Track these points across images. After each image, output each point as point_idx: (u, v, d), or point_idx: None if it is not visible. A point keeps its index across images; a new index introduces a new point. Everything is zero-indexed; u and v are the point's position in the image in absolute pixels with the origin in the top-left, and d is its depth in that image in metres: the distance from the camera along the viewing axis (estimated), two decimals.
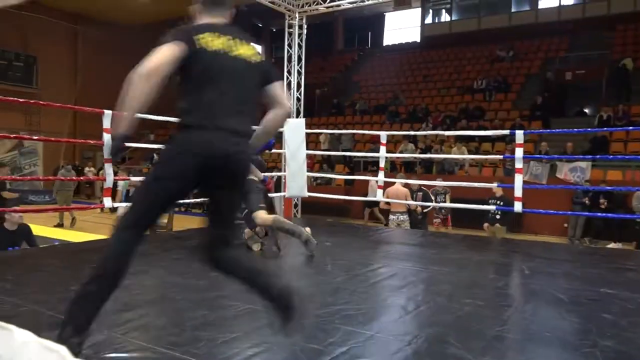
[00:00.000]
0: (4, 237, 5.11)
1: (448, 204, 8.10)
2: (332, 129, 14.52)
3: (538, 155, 11.36)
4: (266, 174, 4.90)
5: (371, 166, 14.43)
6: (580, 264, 4.38)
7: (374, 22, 25.36)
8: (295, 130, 6.64)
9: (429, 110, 16.48)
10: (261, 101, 2.18)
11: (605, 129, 11.55)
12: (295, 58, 8.45)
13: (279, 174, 8.36)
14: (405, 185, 7.71)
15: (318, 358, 2.00)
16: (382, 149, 6.42)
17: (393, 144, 14.08)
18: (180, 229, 6.15)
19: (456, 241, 5.46)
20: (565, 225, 11.27)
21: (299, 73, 8.58)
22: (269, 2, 8.09)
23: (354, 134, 15.36)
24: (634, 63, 14.70)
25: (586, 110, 15.93)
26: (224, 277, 2.15)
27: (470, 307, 2.73)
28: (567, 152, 11.77)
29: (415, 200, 7.86)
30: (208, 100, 1.97)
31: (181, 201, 10.61)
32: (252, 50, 2.10)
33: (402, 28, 25.07)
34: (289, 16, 8.33)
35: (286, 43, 8.51)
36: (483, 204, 7.21)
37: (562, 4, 19.00)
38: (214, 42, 2.00)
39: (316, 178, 13.39)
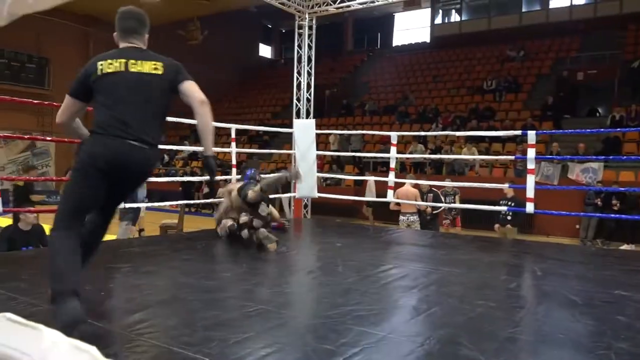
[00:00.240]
0: (18, 237, 5.17)
1: (458, 205, 8.06)
2: (341, 130, 14.53)
3: (550, 156, 11.27)
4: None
5: (381, 167, 14.41)
6: (593, 265, 4.34)
7: (384, 22, 25.35)
8: (305, 131, 6.65)
9: (439, 111, 16.43)
10: (169, 108, 2.56)
11: (618, 129, 11.43)
12: (305, 59, 8.46)
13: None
14: (415, 186, 7.68)
15: (330, 359, 2.00)
16: (393, 149, 6.41)
17: (403, 145, 14.06)
18: (192, 230, 6.17)
19: (466, 242, 5.43)
20: (577, 226, 11.18)
21: (309, 74, 8.59)
22: (279, 3, 8.11)
23: (363, 134, 15.37)
24: None
25: (598, 111, 15.80)
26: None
27: (482, 308, 2.71)
28: (578, 153, 11.68)
29: (426, 202, 7.84)
30: (105, 113, 2.39)
31: (191, 202, 10.64)
32: (153, 66, 2.47)
33: (411, 28, 25.03)
34: (299, 17, 8.34)
35: (296, 44, 8.53)
36: (494, 205, 7.17)
37: (573, 3, 18.88)
38: (110, 65, 2.43)
39: (326, 179, 13.40)
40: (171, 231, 8.54)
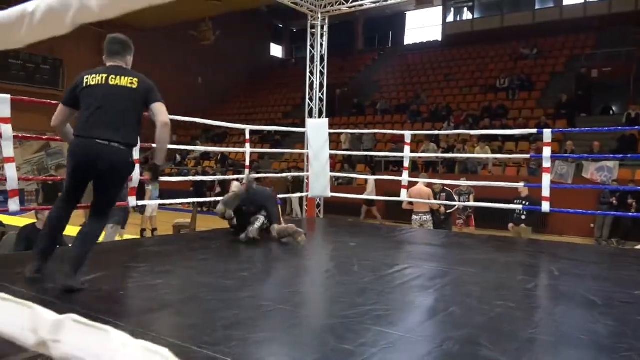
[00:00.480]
0: (35, 236, 5.23)
1: (472, 203, 8.00)
2: (352, 129, 14.52)
3: (567, 155, 11.12)
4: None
5: (393, 166, 14.38)
6: (610, 265, 4.29)
7: (395, 21, 25.27)
8: (318, 131, 6.65)
9: (451, 110, 16.34)
10: (142, 116, 3.04)
11: (636, 127, 11.26)
12: (317, 58, 8.45)
13: (300, 174, 8.38)
14: (428, 186, 7.65)
15: (349, 359, 2.00)
16: (407, 148, 6.38)
17: (415, 144, 14.00)
18: (204, 229, 6.21)
19: (481, 242, 5.40)
20: (592, 225, 11.05)
21: (322, 73, 8.59)
22: (292, 2, 8.11)
23: (375, 133, 15.34)
24: None
25: (613, 108, 15.62)
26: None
27: (501, 308, 2.70)
28: (593, 151, 11.55)
29: (439, 201, 7.80)
30: (84, 117, 2.87)
31: (202, 200, 10.66)
32: (129, 81, 2.94)
33: (423, 27, 24.93)
34: (312, 17, 8.34)
35: (308, 43, 8.52)
36: (507, 204, 7.12)
37: (587, 0, 18.65)
38: (94, 78, 2.92)
39: (337, 178, 13.39)
40: (184, 230, 8.59)
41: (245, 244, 4.54)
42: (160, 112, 2.94)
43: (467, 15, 22.01)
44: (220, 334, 2.20)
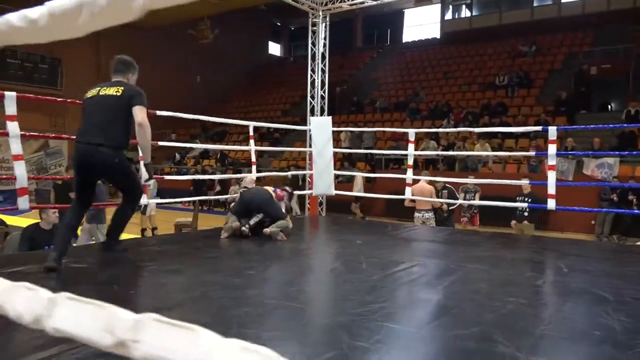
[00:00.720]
0: (39, 236, 5.21)
1: (476, 202, 8.00)
2: (352, 127, 14.51)
3: (569, 152, 11.10)
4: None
5: (393, 164, 14.37)
6: (616, 262, 4.30)
7: (393, 19, 25.27)
8: (321, 128, 6.64)
9: (451, 107, 16.34)
10: (129, 119, 3.33)
11: (638, 124, 11.27)
12: (319, 56, 8.44)
13: (302, 172, 8.37)
14: (430, 183, 7.65)
15: (365, 356, 1.99)
16: (410, 146, 6.37)
17: (415, 142, 13.97)
18: (206, 228, 6.19)
19: (485, 239, 5.40)
20: (593, 222, 11.07)
21: (323, 71, 8.57)
22: (292, 0, 8.08)
23: (375, 131, 15.32)
24: None
25: (612, 105, 15.65)
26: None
27: (512, 305, 2.69)
28: (594, 148, 11.56)
29: (441, 198, 7.79)
30: (81, 125, 3.33)
31: (204, 198, 10.64)
32: (115, 90, 3.31)
33: (421, 24, 24.92)
34: (313, 14, 8.32)
35: (309, 41, 8.50)
36: (508, 201, 7.13)
37: None
38: (91, 92, 3.38)
39: (337, 176, 13.35)
40: (186, 229, 8.57)
41: (251, 242, 4.53)
42: (137, 114, 3.25)
43: (465, 12, 22.02)
44: (235, 332, 2.19)
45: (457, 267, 3.74)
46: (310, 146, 8.13)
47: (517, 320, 2.47)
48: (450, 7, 22.23)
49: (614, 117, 13.40)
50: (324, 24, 8.53)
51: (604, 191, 10.55)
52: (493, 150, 12.38)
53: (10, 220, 7.18)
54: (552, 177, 5.08)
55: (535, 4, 19.64)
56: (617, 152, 10.57)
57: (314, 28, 8.48)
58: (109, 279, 3.04)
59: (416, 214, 7.63)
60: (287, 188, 5.63)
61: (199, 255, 4.06)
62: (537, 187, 7.30)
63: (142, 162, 3.99)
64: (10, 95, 3.72)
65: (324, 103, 8.54)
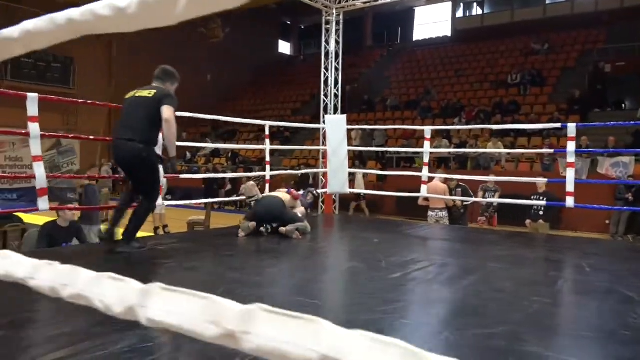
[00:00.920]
0: (57, 233, 5.25)
1: (492, 200, 7.94)
2: (363, 126, 14.46)
3: (587, 150, 10.94)
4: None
5: (404, 162, 14.33)
6: (638, 261, 4.25)
7: (404, 17, 25.17)
8: (336, 127, 6.62)
9: (463, 105, 16.26)
10: (158, 117, 3.60)
11: None
12: (332, 54, 8.42)
13: (316, 170, 8.35)
14: (444, 182, 7.61)
15: None
16: (426, 144, 6.33)
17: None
18: (222, 226, 6.19)
19: (503, 238, 5.36)
20: (607, 222, 10.96)
21: (336, 69, 8.55)
22: None
23: (386, 129, 15.27)
24: None
25: (626, 103, 15.47)
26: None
27: (538, 304, 2.66)
28: (608, 146, 11.44)
29: (455, 197, 7.75)
30: (117, 123, 3.79)
31: (217, 200, 10.74)
32: (148, 92, 3.67)
33: (432, 22, 24.80)
34: (326, 12, 8.30)
35: (323, 39, 8.48)
36: (524, 200, 7.08)
37: None
38: (129, 94, 3.79)
39: (348, 174, 13.33)
40: (198, 227, 8.58)
41: (268, 241, 4.53)
42: (164, 111, 3.53)
43: (476, 10, 21.89)
44: None
45: (478, 266, 3.71)
46: (323, 144, 8.12)
47: (544, 320, 2.44)
48: (462, 4, 22.12)
49: (629, 116, 13.24)
50: (337, 22, 8.50)
51: (619, 190, 10.44)
52: (505, 149, 12.31)
53: (26, 217, 7.23)
54: (570, 174, 5.03)
55: (547, 1, 19.49)
56: (632, 150, 10.46)
57: (327, 26, 8.46)
58: (130, 277, 3.05)
59: (430, 213, 7.59)
60: (315, 191, 5.59)
61: (216, 252, 4.07)
62: (552, 186, 7.24)
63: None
64: (33, 97, 3.74)
65: (338, 101, 8.52)
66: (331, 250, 4.53)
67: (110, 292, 0.68)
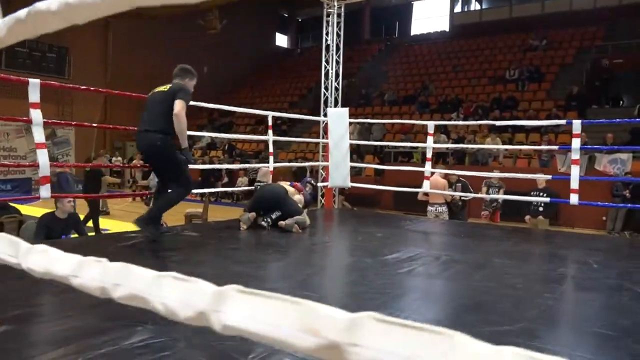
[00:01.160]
0: (56, 225, 5.18)
1: (501, 196, 7.93)
2: (363, 119, 14.41)
3: (585, 147, 10.91)
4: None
5: (402, 157, 14.29)
6: None
7: (401, 11, 25.07)
8: (338, 120, 6.56)
9: (460, 100, 16.23)
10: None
11: None
12: (333, 47, 8.33)
13: (317, 163, 8.29)
14: (444, 177, 7.57)
15: None
16: (429, 138, 6.29)
17: (423, 135, 13.91)
18: (220, 219, 6.14)
19: (507, 233, 5.34)
20: (604, 218, 11.00)
21: (337, 62, 8.47)
22: None
23: (384, 124, 15.22)
24: None
25: (624, 100, 15.49)
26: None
27: (551, 301, 2.64)
28: (606, 143, 11.45)
29: (455, 192, 7.72)
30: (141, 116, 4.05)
31: (214, 190, 10.61)
32: (165, 87, 3.96)
33: (430, 17, 24.72)
34: (328, 4, 8.21)
35: (324, 32, 8.38)
36: (522, 196, 7.08)
37: None
38: (152, 90, 4.09)
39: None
40: (196, 220, 8.52)
41: (270, 234, 4.48)
42: (175, 105, 3.76)
43: (475, 5, 21.83)
44: None
45: (486, 261, 3.68)
46: (323, 137, 8.06)
47: (558, 316, 2.42)
48: (460, 0, 22.06)
49: (626, 113, 13.26)
50: (339, 14, 8.41)
51: (616, 187, 10.47)
52: (503, 144, 12.30)
53: (24, 209, 7.15)
54: (575, 171, 5.01)
55: None
56: (631, 147, 10.48)
57: (328, 18, 8.37)
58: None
59: (429, 208, 7.55)
60: (312, 181, 5.56)
61: (222, 246, 4.01)
62: (550, 182, 7.24)
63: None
64: (34, 83, 3.66)
65: (338, 94, 8.44)
66: (335, 244, 4.49)
67: (175, 293, 0.62)
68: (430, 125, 6.31)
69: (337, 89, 8.38)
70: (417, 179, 7.22)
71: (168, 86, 3.95)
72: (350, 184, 6.80)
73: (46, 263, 0.73)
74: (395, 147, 14.07)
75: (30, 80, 3.67)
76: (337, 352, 0.45)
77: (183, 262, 3.36)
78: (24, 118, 3.70)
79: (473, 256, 3.89)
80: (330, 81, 8.35)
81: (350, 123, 12.80)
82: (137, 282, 0.65)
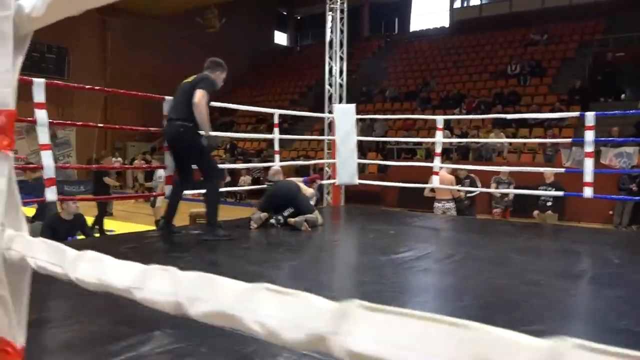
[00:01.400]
0: (62, 226, 5.11)
1: (511, 190, 7.86)
2: (370, 115, 14.32)
3: (609, 139, 10.80)
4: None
5: (405, 153, 14.21)
6: None
7: (401, 7, 24.96)
8: (345, 116, 6.48)
9: (462, 96, 16.15)
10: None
11: None
12: (337, 43, 8.26)
13: (323, 161, 8.21)
14: (452, 173, 7.50)
15: None
16: (439, 133, 6.20)
17: (426, 131, 13.83)
18: (225, 219, 6.04)
19: (519, 229, 5.27)
20: (611, 212, 10.93)
21: (341, 59, 8.40)
22: None
23: (386, 121, 15.13)
24: None
25: (626, 93, 15.41)
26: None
27: (578, 297, 2.57)
28: (612, 137, 11.37)
29: (463, 187, 7.64)
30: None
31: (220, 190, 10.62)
32: (191, 78, 4.09)
33: (430, 13, 24.61)
34: (331, 0, 8.14)
35: (328, 28, 8.33)
36: (531, 191, 7.03)
37: None
38: (182, 81, 4.19)
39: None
40: (200, 220, 8.44)
41: (281, 233, 4.41)
42: (196, 94, 3.83)
43: (475, 0, 21.73)
44: None
45: (502, 258, 3.60)
46: (326, 134, 7.98)
47: (589, 315, 2.34)
48: None
49: (629, 106, 13.17)
50: (342, 10, 8.33)
51: (623, 180, 10.39)
52: (507, 139, 12.22)
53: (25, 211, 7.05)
54: (589, 164, 4.93)
55: None
56: (637, 140, 10.39)
57: (331, 14, 8.29)
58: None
59: (436, 204, 7.47)
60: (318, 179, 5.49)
61: (235, 245, 3.93)
62: (561, 176, 7.17)
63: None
64: (39, 82, 3.57)
65: (343, 91, 8.37)
66: (346, 242, 4.41)
67: (275, 310, 0.52)
68: (439, 119, 6.23)
69: (341, 86, 8.30)
70: (422, 176, 7.13)
71: (194, 77, 4.06)
72: (357, 181, 6.71)
73: (99, 273, 0.65)
74: (398, 143, 13.99)
75: (35, 80, 3.58)
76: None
77: (197, 262, 3.28)
78: (28, 119, 3.62)
79: (488, 253, 3.82)
80: (334, 78, 8.27)
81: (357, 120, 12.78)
82: (223, 296, 0.56)
